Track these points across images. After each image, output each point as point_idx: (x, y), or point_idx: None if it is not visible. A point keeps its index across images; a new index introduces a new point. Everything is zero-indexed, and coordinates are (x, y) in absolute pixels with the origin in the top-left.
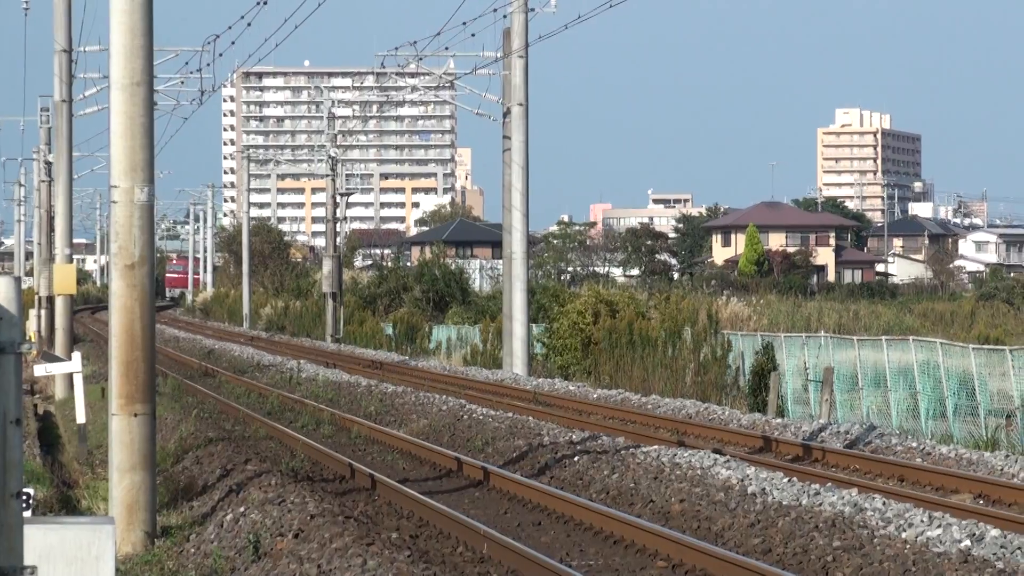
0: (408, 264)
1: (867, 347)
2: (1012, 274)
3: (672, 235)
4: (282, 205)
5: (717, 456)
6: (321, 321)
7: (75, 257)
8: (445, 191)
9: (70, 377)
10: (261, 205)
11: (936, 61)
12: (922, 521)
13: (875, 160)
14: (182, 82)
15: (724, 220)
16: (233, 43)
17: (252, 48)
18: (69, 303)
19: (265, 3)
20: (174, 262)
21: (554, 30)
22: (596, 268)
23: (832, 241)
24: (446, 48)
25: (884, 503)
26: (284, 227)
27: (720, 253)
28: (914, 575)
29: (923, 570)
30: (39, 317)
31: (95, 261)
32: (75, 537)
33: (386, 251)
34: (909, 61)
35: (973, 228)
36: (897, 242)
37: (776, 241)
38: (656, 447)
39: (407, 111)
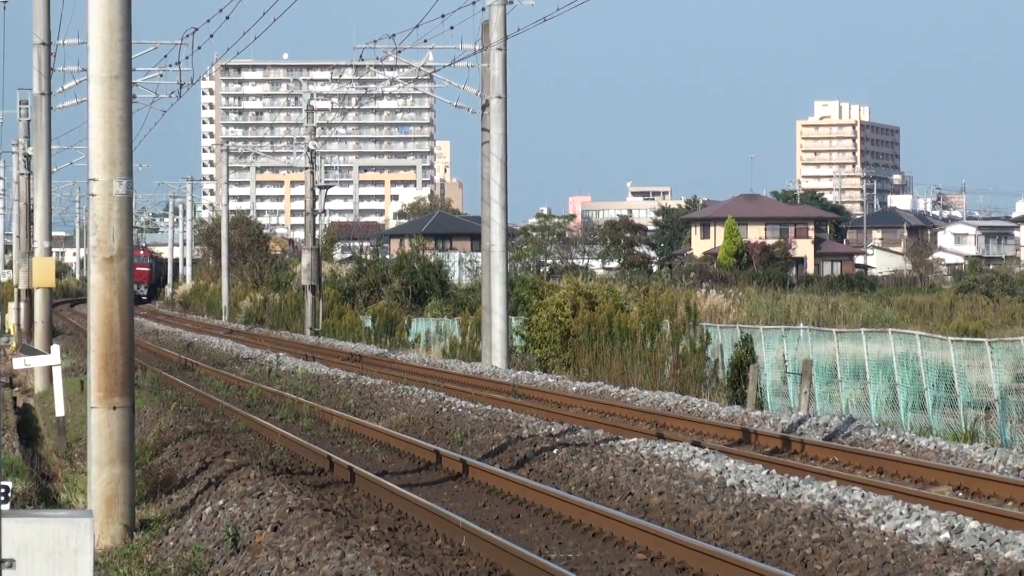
0: (387, 257)
1: (846, 339)
2: (991, 266)
3: (651, 227)
4: (261, 198)
5: (696, 448)
6: (300, 314)
7: (54, 250)
8: (424, 184)
9: (49, 370)
10: (240, 198)
11: (915, 53)
12: (901, 513)
13: (854, 152)
14: (161, 75)
15: (703, 212)
16: (212, 36)
17: (231, 41)
18: (48, 296)
19: None
20: None
21: (532, 22)
22: (575, 261)
23: (811, 233)
24: (425, 41)
25: (863, 495)
26: (263, 220)
27: (699, 245)
28: (893, 567)
29: (902, 562)
30: (18, 310)
31: (74, 254)
32: (53, 530)
33: (365, 244)
34: (888, 53)
35: (952, 220)
36: (876, 234)
37: (755, 233)
38: (635, 439)
39: (386, 104)
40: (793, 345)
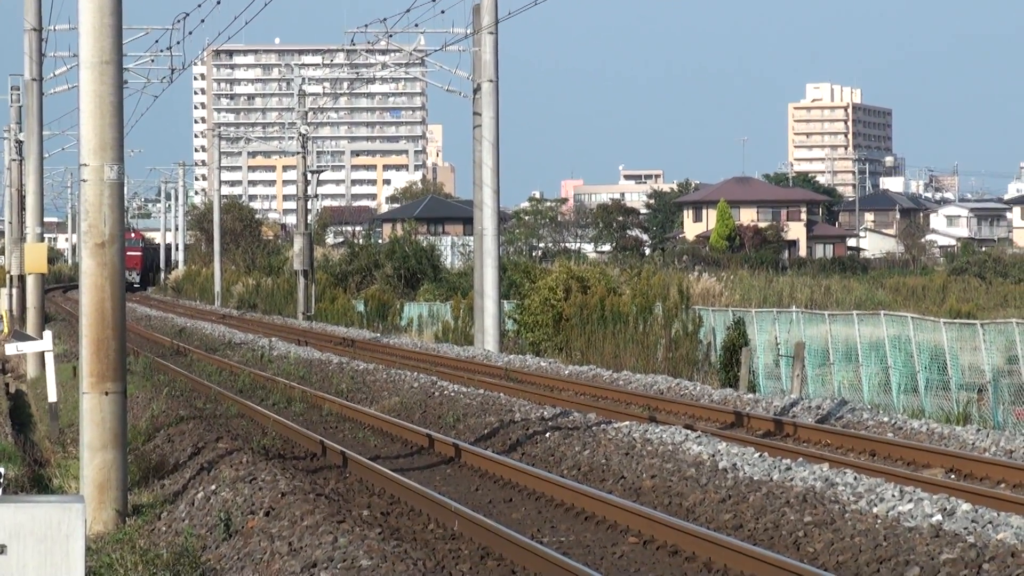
0: (379, 241)
1: (838, 322)
2: (983, 248)
3: (643, 211)
4: (253, 183)
5: (688, 432)
6: (293, 299)
7: (46, 236)
8: (416, 168)
9: (42, 356)
10: (232, 183)
11: (906, 35)
12: (893, 496)
13: (846, 135)
14: (152, 60)
15: (695, 195)
16: (203, 21)
17: (222, 26)
18: (40, 282)
19: None
20: None
21: (524, 6)
22: (567, 244)
23: (803, 216)
24: (416, 25)
25: (855, 478)
26: (255, 205)
27: (691, 228)
28: (885, 550)
29: (894, 545)
30: (10, 296)
31: (67, 240)
32: (45, 516)
33: (357, 228)
34: (879, 36)
35: (944, 202)
36: (868, 216)
37: (747, 216)
38: (628, 423)
39: (377, 88)
40: (785, 328)
